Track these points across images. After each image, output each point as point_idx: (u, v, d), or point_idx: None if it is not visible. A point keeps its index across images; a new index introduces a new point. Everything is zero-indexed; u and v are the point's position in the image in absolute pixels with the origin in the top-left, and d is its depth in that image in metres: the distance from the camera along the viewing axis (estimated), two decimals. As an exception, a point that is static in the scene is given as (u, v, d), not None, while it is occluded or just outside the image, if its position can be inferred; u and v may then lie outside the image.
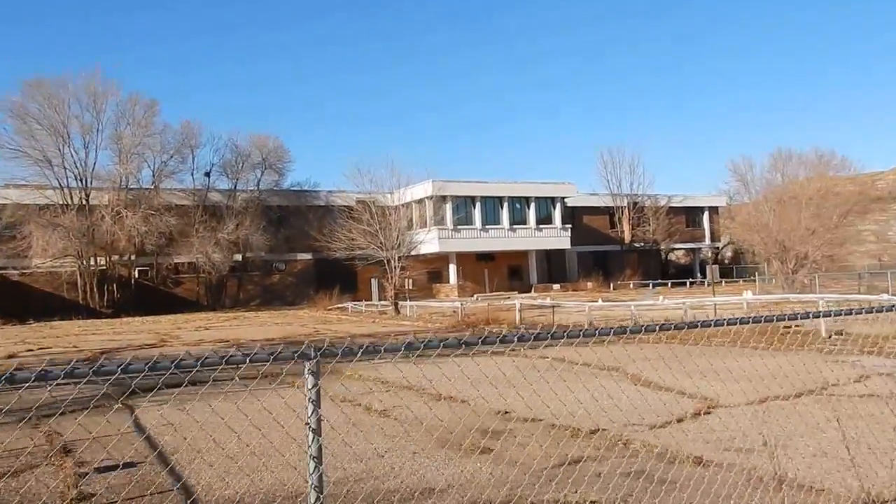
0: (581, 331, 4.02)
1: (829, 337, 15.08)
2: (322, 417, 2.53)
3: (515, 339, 3.28)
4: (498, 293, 51.34)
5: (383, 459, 6.85)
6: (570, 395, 9.20)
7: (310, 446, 2.48)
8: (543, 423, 8.23)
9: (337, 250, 37.63)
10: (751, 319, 5.26)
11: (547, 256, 61.70)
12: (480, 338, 3.24)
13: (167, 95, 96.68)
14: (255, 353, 2.52)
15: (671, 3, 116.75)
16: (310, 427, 2.49)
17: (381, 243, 34.35)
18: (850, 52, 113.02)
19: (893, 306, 5.93)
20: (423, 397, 10.63)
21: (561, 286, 56.96)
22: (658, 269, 65.57)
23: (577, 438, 7.38)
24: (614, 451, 6.76)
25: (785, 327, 16.99)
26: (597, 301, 23.61)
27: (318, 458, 2.47)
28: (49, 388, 10.54)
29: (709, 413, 8.43)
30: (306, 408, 2.55)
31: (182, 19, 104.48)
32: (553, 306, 22.89)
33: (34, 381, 2.17)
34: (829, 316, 4.77)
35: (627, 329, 4.34)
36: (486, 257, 57.86)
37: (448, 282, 55.38)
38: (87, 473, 6.58)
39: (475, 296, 48.81)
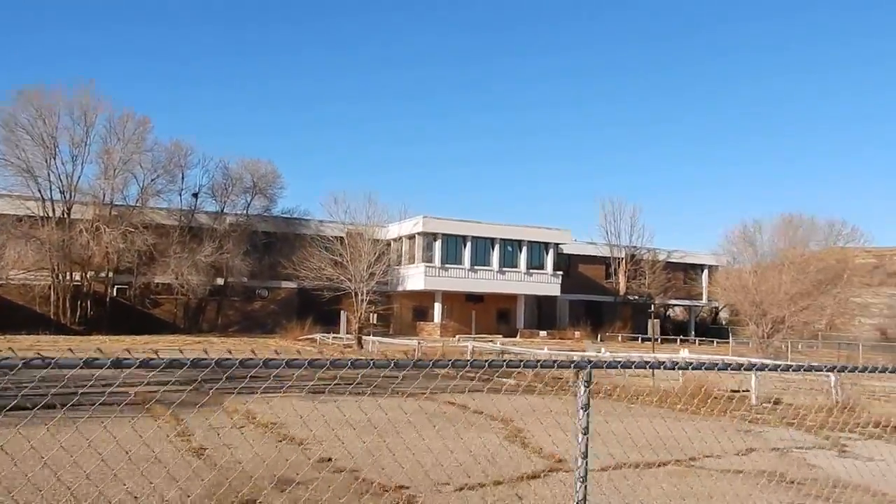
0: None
1: (760, 404, 14.05)
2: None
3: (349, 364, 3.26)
4: (482, 335, 50.22)
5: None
6: (421, 445, 8.43)
7: None
8: (354, 475, 7.39)
9: (306, 279, 36.90)
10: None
11: (538, 302, 60.65)
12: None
13: (163, 111, 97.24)
14: None
15: (691, 57, 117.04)
16: None
17: (350, 275, 33.59)
18: (881, 127, 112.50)
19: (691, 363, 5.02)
20: (269, 437, 9.79)
21: (548, 333, 55.75)
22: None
23: (365, 496, 6.52)
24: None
25: (732, 392, 16.02)
26: (543, 349, 22.71)
27: None
28: None
29: (543, 476, 7.51)
30: None
31: (185, 35, 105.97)
32: (502, 351, 22.00)
33: None
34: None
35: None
36: (475, 298, 56.89)
37: (432, 320, 54.41)
38: None
39: (457, 337, 47.74)
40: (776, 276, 31.23)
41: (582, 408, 3.24)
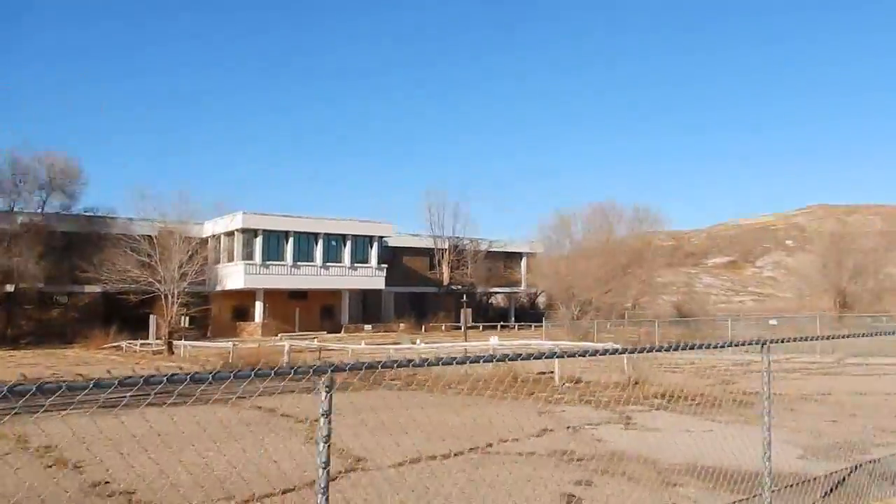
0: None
1: (563, 384, 14.75)
2: None
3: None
4: (306, 333, 49.24)
5: None
6: (213, 458, 7.90)
7: None
8: (128, 498, 6.74)
9: (109, 282, 34.16)
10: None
11: (363, 296, 60.48)
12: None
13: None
14: None
15: (510, 59, 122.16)
16: None
17: (160, 276, 31.47)
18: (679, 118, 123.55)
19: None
20: (39, 463, 8.76)
21: (373, 327, 55.78)
22: (475, 312, 66.14)
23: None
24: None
25: (539, 374, 16.65)
26: (360, 344, 22.59)
27: None
28: None
29: (338, 478, 7.24)
30: None
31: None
32: (319, 349, 21.57)
33: None
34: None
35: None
36: (298, 295, 55.62)
37: (253, 320, 52.58)
38: None
39: (279, 335, 46.42)
40: (585, 262, 33.15)
41: (323, 415, 3.00)
